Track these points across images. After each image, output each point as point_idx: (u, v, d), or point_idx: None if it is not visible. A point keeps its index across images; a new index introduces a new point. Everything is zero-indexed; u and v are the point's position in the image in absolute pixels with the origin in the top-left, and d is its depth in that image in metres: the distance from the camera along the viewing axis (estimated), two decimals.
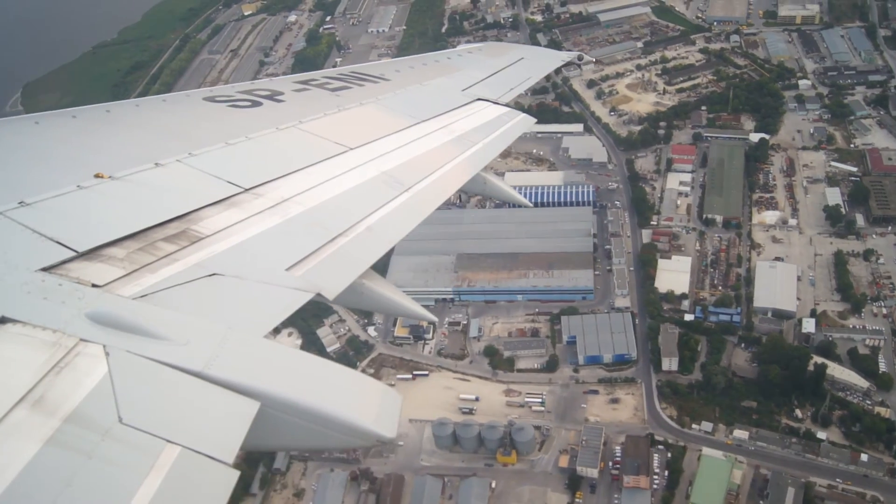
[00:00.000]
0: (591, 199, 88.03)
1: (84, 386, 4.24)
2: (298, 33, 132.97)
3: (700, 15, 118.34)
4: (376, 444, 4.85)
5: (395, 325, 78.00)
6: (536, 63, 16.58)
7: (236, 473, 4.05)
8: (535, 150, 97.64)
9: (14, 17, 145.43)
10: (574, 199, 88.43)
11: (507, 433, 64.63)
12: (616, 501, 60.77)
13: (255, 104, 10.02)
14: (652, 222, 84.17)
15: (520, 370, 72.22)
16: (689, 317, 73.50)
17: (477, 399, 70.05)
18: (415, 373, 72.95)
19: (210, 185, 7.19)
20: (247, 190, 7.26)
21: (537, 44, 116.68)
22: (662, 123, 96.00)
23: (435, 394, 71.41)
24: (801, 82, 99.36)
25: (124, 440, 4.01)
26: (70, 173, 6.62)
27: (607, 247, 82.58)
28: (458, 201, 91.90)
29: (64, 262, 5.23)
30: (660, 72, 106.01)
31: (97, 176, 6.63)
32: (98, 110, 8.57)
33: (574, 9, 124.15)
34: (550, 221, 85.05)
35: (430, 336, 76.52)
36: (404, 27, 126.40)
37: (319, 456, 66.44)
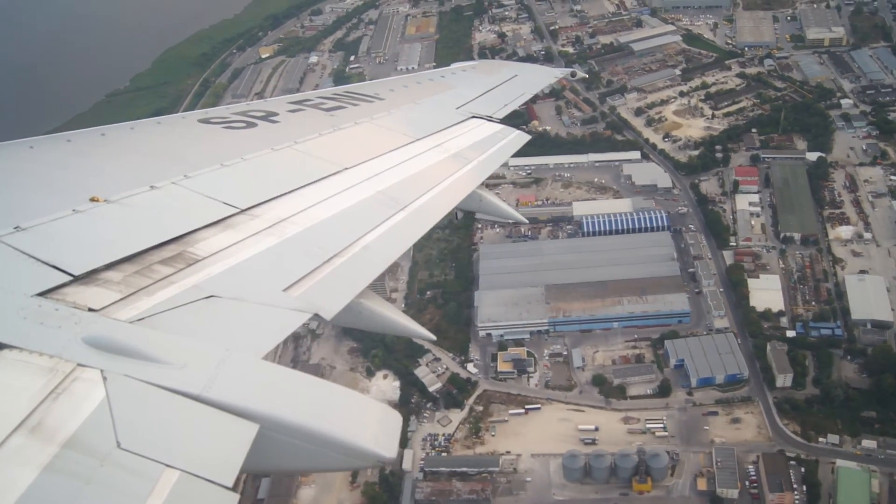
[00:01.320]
0: (665, 223, 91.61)
1: (82, 411, 4.28)
2: (323, 74, 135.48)
3: (730, 41, 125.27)
4: (377, 465, 4.90)
5: (494, 360, 79.49)
6: (530, 79, 17.06)
7: (236, 497, 4.11)
8: (595, 179, 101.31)
9: (18, 65, 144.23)
10: (647, 224, 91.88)
11: (641, 460, 66.38)
12: None
13: (250, 125, 10.26)
14: (731, 243, 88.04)
15: (632, 397, 74.17)
16: (790, 333, 76.92)
17: (596, 429, 71.63)
18: (527, 407, 74.24)
19: (206, 207, 7.32)
20: (243, 211, 7.44)
21: (574, 76, 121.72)
22: (718, 147, 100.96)
23: (551, 427, 72.77)
24: (843, 101, 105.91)
25: (123, 465, 4.05)
26: (65, 197, 6.72)
27: (690, 270, 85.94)
28: (528, 232, 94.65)
29: (60, 286, 5.31)
30: (703, 97, 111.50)
31: (92, 199, 6.75)
32: (93, 133, 8.75)
33: (604, 39, 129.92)
34: (630, 248, 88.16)
35: (532, 370, 78.12)
36: (433, 63, 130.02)
37: (448, 499, 66.92)
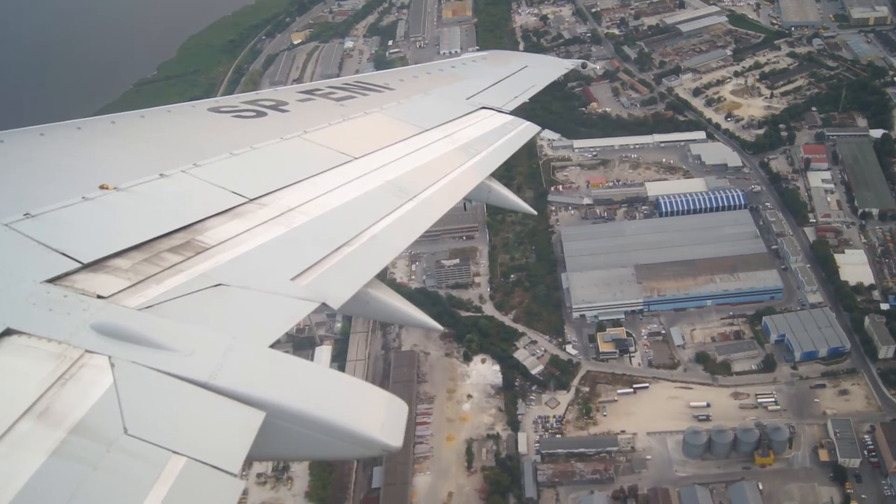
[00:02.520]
0: (742, 202, 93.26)
1: (89, 397, 4.39)
2: (361, 59, 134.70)
3: (775, 21, 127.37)
4: (382, 453, 5.00)
5: (592, 341, 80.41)
6: (541, 71, 17.12)
7: (242, 484, 4.25)
8: (663, 160, 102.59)
9: (39, 55, 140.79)
10: (724, 203, 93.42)
11: (763, 434, 67.92)
12: (886, 487, 64.82)
13: (260, 114, 10.45)
14: (810, 220, 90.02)
15: (737, 373, 75.71)
16: (884, 306, 79.21)
17: (708, 405, 73.02)
18: (635, 386, 75.31)
19: (215, 196, 7.47)
20: (251, 200, 7.58)
21: (626, 57, 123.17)
22: (782, 126, 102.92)
23: (662, 405, 73.99)
24: None
25: (130, 451, 4.14)
26: (75, 185, 6.85)
27: (773, 247, 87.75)
28: (605, 213, 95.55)
29: (69, 273, 5.45)
30: (758, 77, 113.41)
31: (102, 187, 6.88)
32: (103, 122, 8.92)
33: (648, 21, 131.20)
34: (712, 227, 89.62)
35: (633, 349, 79.22)
36: (476, 47, 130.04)
37: (571, 480, 67.73)
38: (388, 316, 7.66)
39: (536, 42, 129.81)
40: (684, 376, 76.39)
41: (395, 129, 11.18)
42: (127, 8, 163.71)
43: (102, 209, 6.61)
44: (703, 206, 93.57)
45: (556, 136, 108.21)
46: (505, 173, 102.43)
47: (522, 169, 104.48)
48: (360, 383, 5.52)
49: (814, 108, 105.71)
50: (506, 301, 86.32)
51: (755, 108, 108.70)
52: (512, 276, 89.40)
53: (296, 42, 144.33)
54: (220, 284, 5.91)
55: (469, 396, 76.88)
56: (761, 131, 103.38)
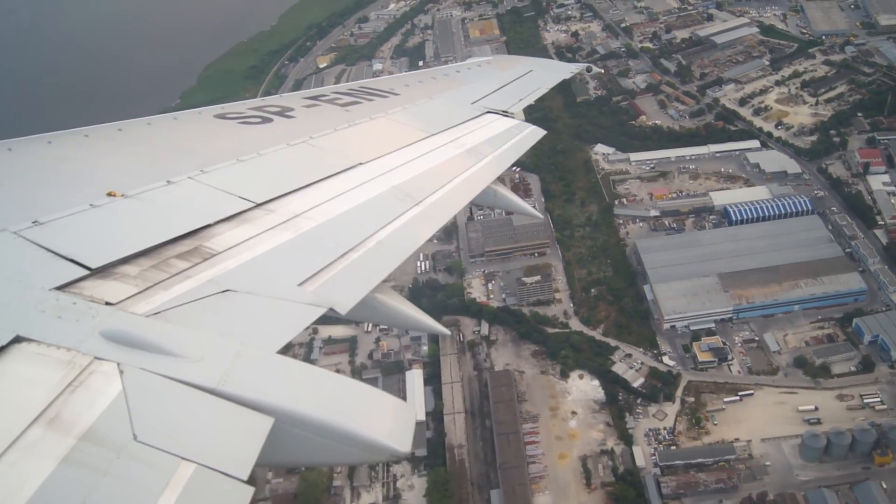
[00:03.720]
0: (809, 207, 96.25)
1: (99, 404, 4.48)
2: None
3: (804, 30, 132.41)
4: (391, 459, 5.45)
5: (686, 351, 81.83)
6: (545, 75, 17.54)
7: (251, 490, 4.31)
8: (722, 169, 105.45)
9: (57, 87, 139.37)
10: (792, 210, 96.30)
11: (882, 433, 69.80)
12: None
13: (266, 120, 10.66)
14: (879, 222, 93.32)
15: (838, 375, 77.75)
16: None
17: (816, 409, 74.78)
18: (740, 394, 76.77)
19: (222, 202, 7.61)
20: (258, 205, 7.75)
21: (665, 71, 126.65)
22: (832, 132, 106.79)
23: (770, 410, 75.51)
24: None
25: (139, 458, 4.24)
26: (83, 192, 7.00)
27: (847, 250, 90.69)
28: (674, 224, 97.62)
29: (77, 280, 5.59)
30: (799, 85, 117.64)
31: (110, 194, 7.03)
32: (110, 129, 9.08)
33: (680, 34, 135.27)
34: (785, 233, 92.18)
35: (731, 357, 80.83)
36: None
37: (695, 491, 68.58)
38: (396, 321, 7.84)
39: (572, 59, 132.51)
40: (786, 381, 78.09)
41: (401, 133, 11.43)
42: (138, 39, 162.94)
43: (110, 216, 6.75)
44: (771, 214, 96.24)
45: (610, 149, 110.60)
46: (564, 189, 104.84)
47: (581, 184, 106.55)
48: (369, 388, 5.56)
49: (859, 114, 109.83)
50: (591, 316, 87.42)
51: (802, 115, 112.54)
52: (592, 290, 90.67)
53: (321, 66, 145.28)
54: (227, 290, 6.03)
55: (573, 413, 77.45)
56: (813, 138, 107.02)
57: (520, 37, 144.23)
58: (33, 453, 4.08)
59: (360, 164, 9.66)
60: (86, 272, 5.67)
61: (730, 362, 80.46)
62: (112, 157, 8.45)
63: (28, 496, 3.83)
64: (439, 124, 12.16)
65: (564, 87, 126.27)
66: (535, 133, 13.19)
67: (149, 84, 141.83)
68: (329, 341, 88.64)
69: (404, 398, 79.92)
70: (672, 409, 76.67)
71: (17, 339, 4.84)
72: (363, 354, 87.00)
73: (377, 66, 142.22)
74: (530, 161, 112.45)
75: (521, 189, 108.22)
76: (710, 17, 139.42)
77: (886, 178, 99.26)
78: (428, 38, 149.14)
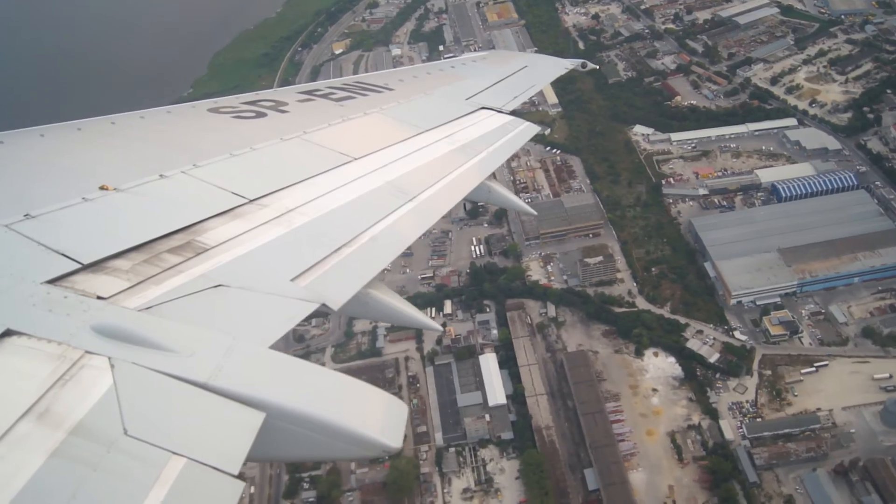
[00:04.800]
0: (854, 182, 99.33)
1: (89, 398, 4.53)
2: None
3: (822, 10, 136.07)
4: (382, 455, 5.17)
5: (756, 325, 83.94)
6: (541, 71, 17.77)
7: (241, 485, 4.37)
8: (763, 147, 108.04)
9: (68, 76, 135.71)
10: (838, 185, 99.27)
11: None
12: None
13: (260, 115, 10.74)
14: None
15: None
16: None
17: (890, 376, 77.58)
18: (816, 365, 79.19)
19: (215, 196, 7.68)
20: (251, 201, 7.80)
21: (692, 51, 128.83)
22: (865, 108, 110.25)
23: (846, 380, 78.02)
24: None
25: (129, 452, 4.28)
26: (75, 185, 7.07)
27: None
28: (724, 202, 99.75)
29: (69, 274, 5.62)
30: (826, 64, 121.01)
31: (102, 188, 7.07)
32: (103, 122, 9.12)
33: (701, 15, 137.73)
34: (835, 208, 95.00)
35: (801, 330, 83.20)
36: (535, 49, 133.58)
37: (787, 461, 70.62)
38: (388, 317, 7.93)
39: (596, 41, 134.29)
40: (856, 351, 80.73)
41: (395, 129, 11.61)
42: (142, 29, 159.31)
43: (102, 210, 6.81)
44: (818, 189, 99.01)
45: (649, 130, 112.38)
46: (608, 170, 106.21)
47: (625, 164, 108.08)
48: (360, 384, 5.58)
49: (889, 91, 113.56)
50: (657, 294, 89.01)
51: (834, 93, 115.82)
52: (653, 269, 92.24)
53: (337, 52, 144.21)
54: (220, 285, 6.10)
55: (654, 390, 78.92)
56: (848, 115, 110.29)
57: (539, 20, 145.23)
58: (23, 447, 4.09)
59: (354, 159, 9.77)
60: (77, 266, 5.69)
61: (800, 335, 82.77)
62: (105, 150, 8.47)
63: (17, 490, 3.85)
64: (434, 120, 12.35)
65: (594, 70, 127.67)
66: (529, 130, 13.35)
67: (158, 74, 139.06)
68: (393, 329, 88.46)
69: (480, 382, 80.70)
70: (751, 382, 78.65)
71: (8, 333, 4.86)
72: (429, 341, 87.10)
73: (395, 51, 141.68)
74: (570, 143, 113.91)
75: (565, 171, 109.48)
76: None
77: None
78: (444, 22, 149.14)
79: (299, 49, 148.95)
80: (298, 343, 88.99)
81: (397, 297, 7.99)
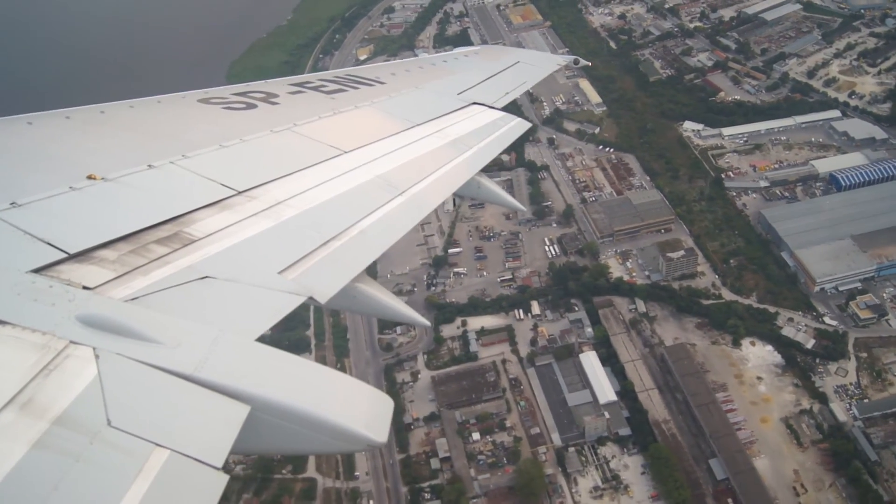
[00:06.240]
0: None
1: (73, 388, 4.58)
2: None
3: (841, 5, 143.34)
4: (367, 449, 5.28)
5: (843, 310, 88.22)
6: (532, 67, 18.09)
7: (225, 477, 4.45)
8: (812, 139, 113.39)
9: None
10: (893, 173, 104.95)
11: None
12: None
13: (250, 106, 10.86)
14: None
15: None
16: None
17: None
18: None
19: (203, 188, 7.84)
20: (240, 192, 7.95)
21: (725, 48, 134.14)
22: None
23: None
24: None
25: (113, 443, 4.34)
26: (62, 174, 7.17)
27: None
28: (787, 193, 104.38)
29: (55, 263, 5.69)
30: (856, 56, 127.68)
31: (90, 177, 7.19)
32: (92, 111, 9.23)
33: (726, 12, 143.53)
34: (892, 196, 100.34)
35: (887, 313, 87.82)
36: (566, 49, 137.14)
37: None
38: (376, 311, 8.06)
39: (628, 40, 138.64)
40: None
41: (386, 123, 11.78)
42: (155, 39, 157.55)
43: (90, 199, 6.90)
44: (875, 178, 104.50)
45: (699, 126, 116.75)
46: (666, 166, 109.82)
47: (681, 160, 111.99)
48: (347, 378, 5.75)
49: None
50: (741, 285, 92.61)
51: (869, 84, 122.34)
52: (731, 261, 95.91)
53: (361, 58, 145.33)
54: (207, 277, 6.22)
55: (759, 378, 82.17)
56: (887, 105, 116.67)
57: (564, 21, 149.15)
58: (5, 437, 4.17)
59: (344, 152, 10.00)
60: (64, 255, 5.79)
61: (887, 318, 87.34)
62: (93, 139, 8.59)
63: None
64: (425, 114, 12.61)
65: (632, 69, 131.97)
66: (520, 125, 13.64)
67: (176, 86, 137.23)
68: (483, 332, 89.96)
69: (586, 381, 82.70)
70: (850, 365, 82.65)
71: None
72: (523, 343, 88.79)
73: (423, 54, 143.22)
74: (622, 141, 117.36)
75: (622, 169, 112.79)
76: None
77: None
78: (466, 25, 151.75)
79: (320, 56, 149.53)
80: (387, 352, 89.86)
81: (386, 291, 8.14)
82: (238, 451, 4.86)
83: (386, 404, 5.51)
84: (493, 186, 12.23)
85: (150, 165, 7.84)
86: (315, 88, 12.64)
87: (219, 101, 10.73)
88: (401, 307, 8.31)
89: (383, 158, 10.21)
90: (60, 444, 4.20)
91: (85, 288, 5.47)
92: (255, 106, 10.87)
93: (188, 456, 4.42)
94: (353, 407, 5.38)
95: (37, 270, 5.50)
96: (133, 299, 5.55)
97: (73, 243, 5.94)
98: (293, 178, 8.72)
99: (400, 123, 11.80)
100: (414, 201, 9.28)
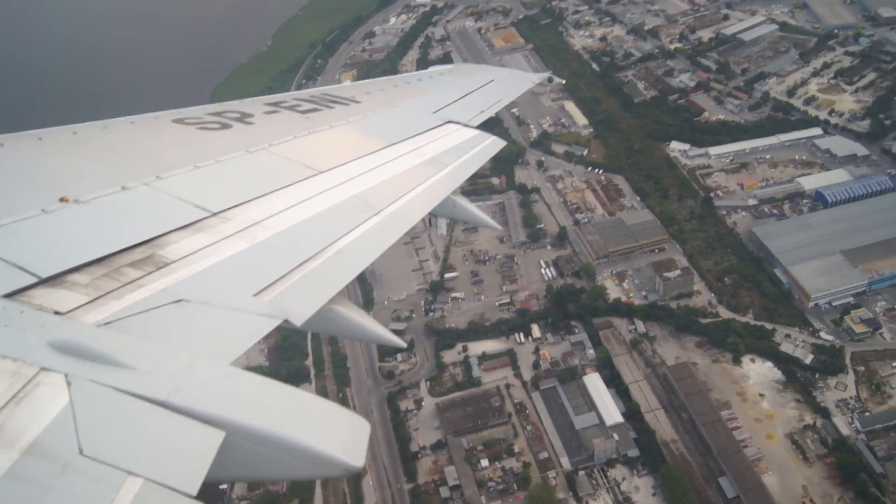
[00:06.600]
0: (891, 185, 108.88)
1: (44, 416, 4.53)
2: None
3: (815, 25, 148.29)
4: (344, 474, 5.21)
5: (837, 325, 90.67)
6: (508, 85, 18.40)
7: None
8: (796, 157, 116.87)
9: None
10: (876, 189, 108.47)
11: None
12: None
13: (225, 126, 10.90)
14: None
15: None
16: None
17: None
18: None
19: (178, 209, 7.81)
20: (215, 214, 7.94)
21: (706, 69, 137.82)
22: (881, 115, 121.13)
23: None
24: None
25: (85, 472, 4.28)
26: (35, 197, 7.15)
27: None
28: (775, 210, 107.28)
29: (26, 288, 5.65)
30: (833, 75, 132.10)
31: (62, 199, 7.16)
32: (65, 132, 9.20)
33: (704, 34, 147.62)
34: (881, 210, 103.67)
35: (881, 326, 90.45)
36: (551, 72, 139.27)
37: None
38: (352, 333, 8.06)
39: (610, 62, 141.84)
40: None
41: (362, 142, 11.89)
42: (134, 66, 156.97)
43: (62, 222, 6.89)
44: (860, 193, 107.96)
45: (685, 146, 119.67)
46: (655, 186, 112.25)
47: (669, 180, 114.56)
48: (324, 402, 5.70)
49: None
50: (737, 303, 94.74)
51: (847, 102, 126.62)
52: (726, 279, 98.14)
53: (345, 83, 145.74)
54: (181, 300, 6.22)
55: (761, 395, 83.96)
56: (866, 122, 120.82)
57: (546, 44, 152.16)
58: None
59: (320, 172, 10.05)
60: (35, 280, 5.79)
61: (881, 331, 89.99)
62: (66, 161, 8.57)
63: None
64: (400, 133, 12.75)
65: (616, 90, 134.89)
66: (495, 144, 13.81)
67: (156, 111, 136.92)
68: (485, 357, 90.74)
69: (591, 403, 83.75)
70: (849, 379, 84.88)
71: None
72: (525, 367, 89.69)
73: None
74: (610, 162, 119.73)
75: (612, 190, 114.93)
76: (726, 17, 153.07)
77: None
78: (449, 49, 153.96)
79: (304, 80, 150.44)
80: (388, 380, 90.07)
81: (362, 312, 8.12)
82: (214, 479, 4.80)
83: (363, 428, 5.43)
84: (468, 206, 12.43)
85: (123, 187, 7.83)
86: (290, 108, 12.80)
87: (194, 121, 10.76)
88: (377, 329, 8.35)
89: (359, 178, 10.31)
90: (31, 473, 4.17)
91: (57, 313, 5.45)
92: (230, 126, 10.93)
93: (162, 484, 4.38)
94: (330, 431, 5.34)
95: (7, 295, 5.47)
96: (106, 324, 5.55)
97: (44, 267, 5.92)
98: (269, 198, 8.77)
99: (376, 142, 11.95)
100: (390, 220, 9.36)
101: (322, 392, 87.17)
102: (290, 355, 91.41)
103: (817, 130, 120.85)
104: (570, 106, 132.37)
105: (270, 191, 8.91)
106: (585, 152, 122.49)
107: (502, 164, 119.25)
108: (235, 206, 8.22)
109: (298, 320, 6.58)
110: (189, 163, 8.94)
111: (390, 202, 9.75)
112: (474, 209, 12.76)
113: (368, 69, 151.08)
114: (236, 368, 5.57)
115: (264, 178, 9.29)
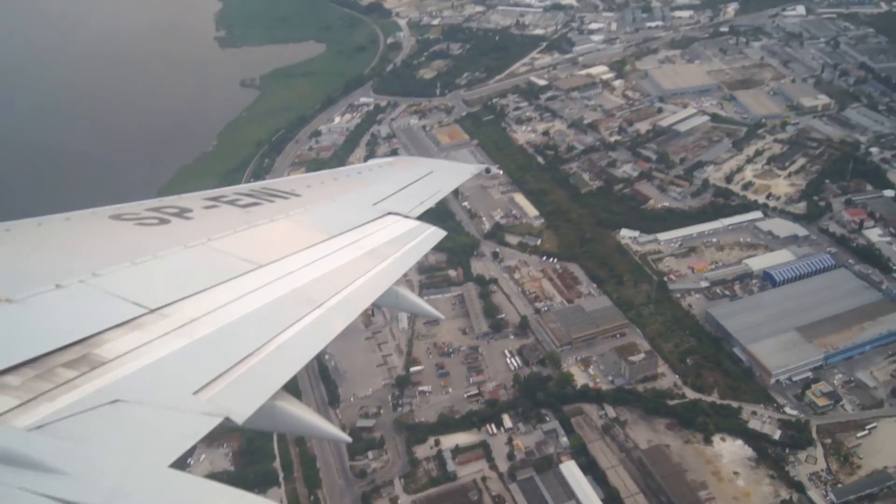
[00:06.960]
0: (832, 263, 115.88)
1: None
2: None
3: (743, 115, 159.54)
4: None
5: (799, 399, 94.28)
6: (446, 176, 18.84)
7: None
8: (740, 239, 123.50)
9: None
10: (819, 267, 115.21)
11: None
12: None
13: (163, 222, 11.05)
14: (894, 268, 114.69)
15: None
16: None
17: None
18: (867, 427, 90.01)
19: (114, 307, 7.79)
20: (153, 310, 7.94)
21: (647, 159, 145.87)
22: (815, 198, 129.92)
23: None
24: (872, 150, 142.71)
25: None
26: None
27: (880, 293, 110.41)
28: (726, 291, 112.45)
29: None
30: (766, 162, 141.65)
31: None
32: None
33: (641, 126, 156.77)
34: (827, 287, 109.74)
35: (841, 400, 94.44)
36: (498, 166, 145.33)
37: None
38: (297, 429, 8.11)
39: (555, 155, 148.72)
40: (894, 411, 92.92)
41: (302, 235, 12.09)
42: (74, 168, 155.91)
43: None
44: (805, 272, 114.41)
45: (635, 233, 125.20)
46: (610, 272, 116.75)
47: (623, 267, 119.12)
48: (262, 500, 5.66)
49: (827, 181, 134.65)
50: (702, 383, 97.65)
51: (782, 186, 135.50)
52: (688, 360, 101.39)
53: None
54: (117, 400, 6.14)
55: (736, 473, 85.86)
56: (802, 204, 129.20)
57: (490, 139, 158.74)
58: None
59: (260, 266, 10.17)
60: None
61: (841, 403, 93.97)
62: None
63: None
64: (341, 226, 12.96)
65: (563, 181, 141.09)
66: (435, 234, 14.03)
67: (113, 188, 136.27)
68: (458, 450, 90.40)
69: (570, 492, 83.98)
70: (817, 452, 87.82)
71: None
72: (500, 458, 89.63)
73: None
74: (564, 251, 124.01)
75: (568, 278, 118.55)
76: (660, 110, 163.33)
77: (879, 230, 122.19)
78: (395, 146, 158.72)
79: (252, 179, 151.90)
80: (361, 479, 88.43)
81: (305, 408, 8.19)
82: None
83: None
84: (411, 296, 12.78)
85: (58, 285, 7.80)
86: (230, 202, 12.89)
87: (131, 216, 10.83)
88: (323, 424, 8.40)
89: (300, 271, 10.40)
90: None
91: None
92: (168, 221, 11.02)
93: None
94: None
95: None
96: (38, 427, 5.44)
97: None
98: (207, 293, 8.80)
99: (316, 235, 12.12)
100: (332, 314, 9.41)
101: (293, 496, 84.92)
102: (256, 459, 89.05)
103: (758, 214, 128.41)
104: (520, 198, 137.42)
105: (210, 286, 9.01)
106: (539, 242, 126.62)
107: (458, 256, 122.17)
108: (174, 302, 8.29)
109: (240, 418, 6.56)
110: (126, 259, 8.99)
111: (332, 295, 9.85)
112: (417, 299, 13.22)
113: (317, 167, 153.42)
114: (176, 471, 5.47)
115: (203, 274, 9.39)
